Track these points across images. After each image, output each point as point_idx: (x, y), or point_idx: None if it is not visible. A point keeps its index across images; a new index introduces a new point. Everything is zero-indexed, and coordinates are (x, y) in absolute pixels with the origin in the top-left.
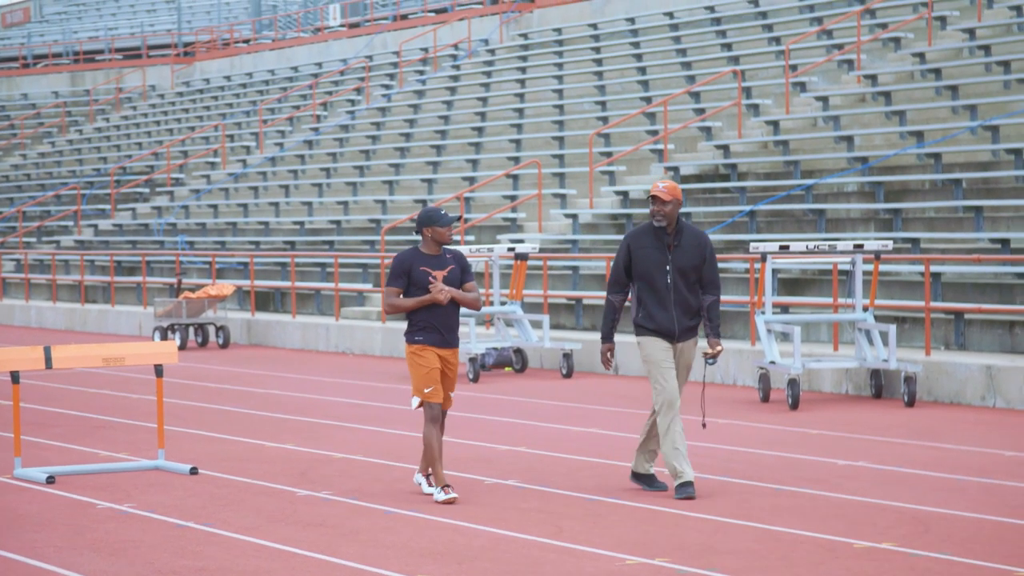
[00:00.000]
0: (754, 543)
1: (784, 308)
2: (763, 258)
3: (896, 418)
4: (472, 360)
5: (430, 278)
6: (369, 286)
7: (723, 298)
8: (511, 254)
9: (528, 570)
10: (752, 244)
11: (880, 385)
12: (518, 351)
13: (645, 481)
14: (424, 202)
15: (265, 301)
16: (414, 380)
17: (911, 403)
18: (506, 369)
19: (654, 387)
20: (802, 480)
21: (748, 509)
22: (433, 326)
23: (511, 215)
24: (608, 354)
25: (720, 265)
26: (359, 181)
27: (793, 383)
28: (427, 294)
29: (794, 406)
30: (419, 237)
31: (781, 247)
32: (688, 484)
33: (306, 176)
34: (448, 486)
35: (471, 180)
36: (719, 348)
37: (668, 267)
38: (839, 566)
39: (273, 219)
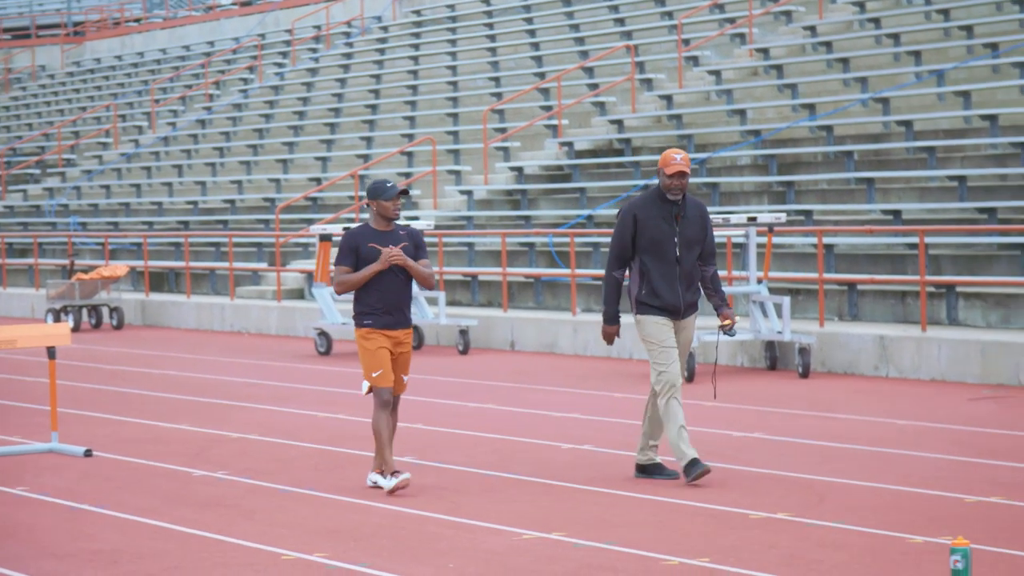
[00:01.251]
0: (650, 516)
1: None
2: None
3: (791, 389)
4: None
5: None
6: (264, 265)
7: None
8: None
9: (425, 546)
10: None
11: (774, 357)
12: (414, 328)
13: (655, 471)
14: (318, 180)
15: (159, 282)
16: (363, 364)
17: (805, 374)
18: None
19: (654, 368)
20: (698, 452)
21: (644, 482)
22: (382, 307)
23: None
24: (613, 337)
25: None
26: (253, 160)
27: (689, 356)
28: (377, 277)
29: (690, 379)
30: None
31: None
32: (696, 462)
33: (199, 156)
34: (397, 472)
35: (365, 158)
36: (733, 319)
37: (676, 239)
38: (735, 537)
39: (166, 199)
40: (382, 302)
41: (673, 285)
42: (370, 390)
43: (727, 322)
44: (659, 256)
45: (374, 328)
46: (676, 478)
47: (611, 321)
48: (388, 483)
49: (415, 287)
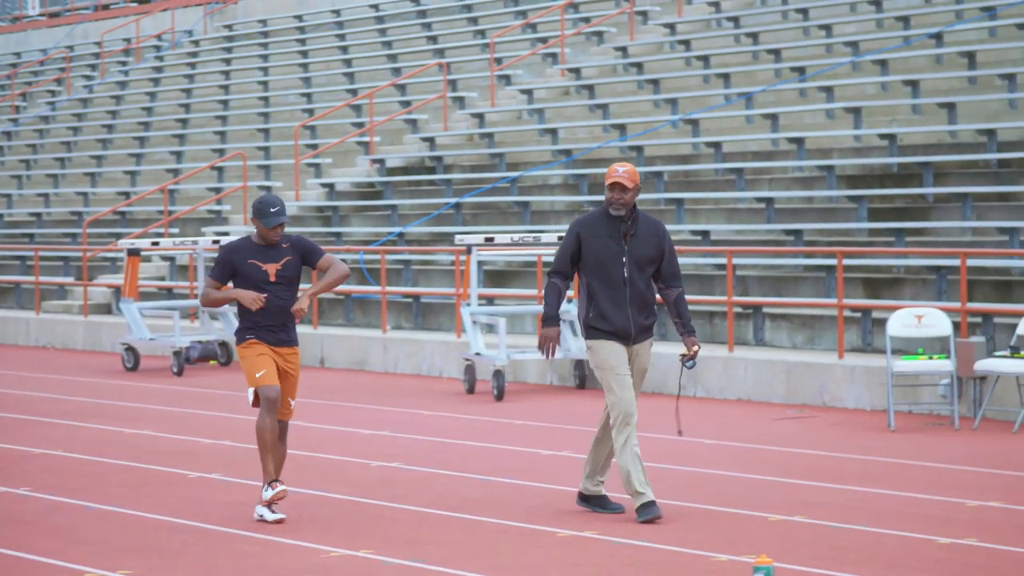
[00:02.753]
0: (460, 533)
1: (490, 300)
2: (468, 250)
3: (599, 407)
4: (176, 353)
5: (264, 277)
6: (71, 279)
7: (428, 290)
8: (216, 247)
9: (232, 564)
10: (458, 236)
11: (584, 375)
12: (223, 344)
13: (596, 503)
14: (127, 194)
15: None
16: (246, 373)
17: None
18: (211, 362)
19: (608, 397)
20: (507, 471)
21: (454, 500)
22: (265, 323)
23: (216, 207)
24: (553, 343)
25: (425, 258)
26: (60, 173)
27: (498, 374)
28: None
29: (499, 397)
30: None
31: (486, 239)
32: (651, 504)
33: (5, 168)
34: (276, 481)
35: (175, 172)
36: (696, 348)
37: (624, 258)
38: (543, 555)
39: None
40: (266, 318)
41: (623, 308)
42: (256, 400)
43: (692, 350)
44: (606, 277)
45: (258, 341)
46: (620, 512)
47: (551, 323)
48: (265, 492)
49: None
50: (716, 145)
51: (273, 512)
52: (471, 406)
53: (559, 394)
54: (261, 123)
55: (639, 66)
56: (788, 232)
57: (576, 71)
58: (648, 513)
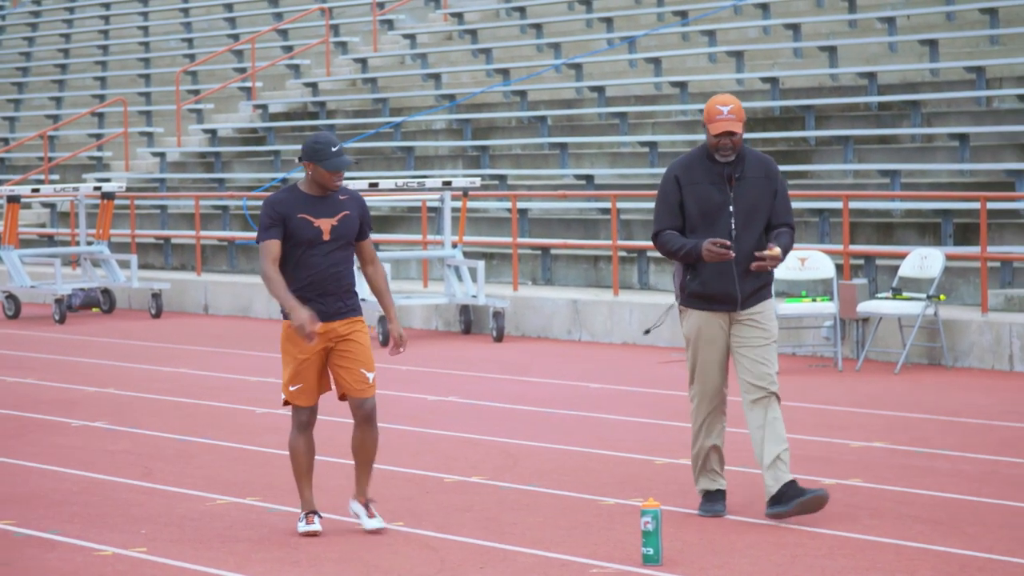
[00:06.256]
0: (344, 480)
1: (375, 245)
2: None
3: (485, 353)
4: (58, 301)
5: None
6: None
7: None
8: (97, 193)
9: (117, 512)
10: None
11: (469, 320)
12: (106, 291)
13: (790, 496)
14: (5, 140)
15: None
16: (283, 369)
17: (500, 338)
18: (93, 310)
19: (689, 375)
20: (393, 416)
21: (337, 446)
22: (315, 291)
23: (97, 154)
24: (718, 245)
25: None
26: None
27: (383, 320)
28: (308, 255)
29: (384, 343)
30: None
31: (371, 185)
32: (717, 494)
33: None
34: (313, 513)
35: (55, 118)
36: (775, 251)
37: (731, 207)
38: (430, 500)
39: None
40: (314, 286)
41: (727, 268)
42: (286, 403)
43: (771, 249)
44: (707, 231)
45: None
46: (821, 495)
47: (699, 245)
48: (302, 526)
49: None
50: (599, 89)
51: (309, 523)
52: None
53: (444, 339)
54: (142, 68)
55: (522, 10)
56: None
57: (459, 16)
58: (712, 509)
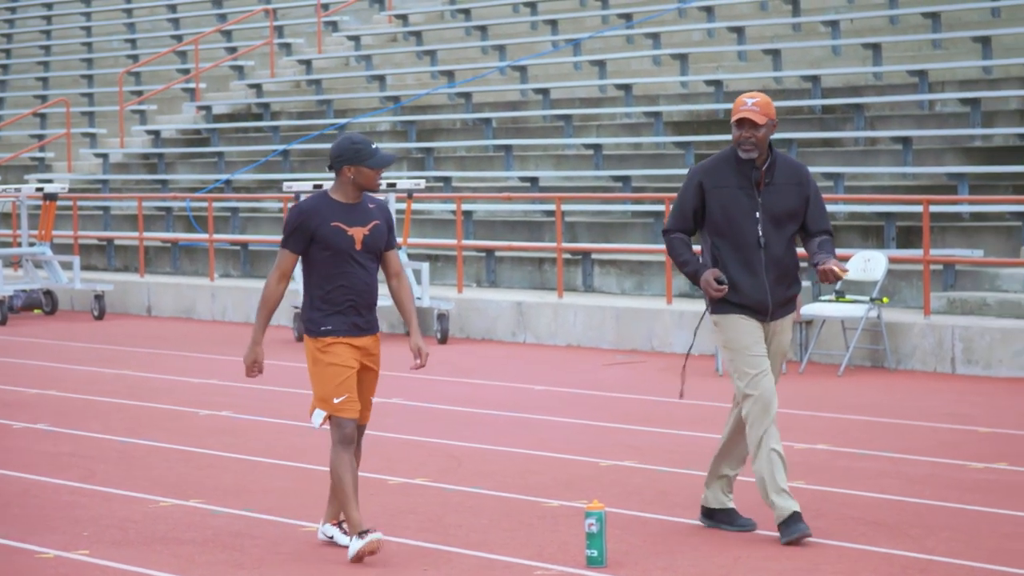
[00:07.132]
0: (289, 482)
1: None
2: (296, 198)
3: (431, 355)
4: (0, 303)
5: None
6: None
7: (256, 237)
8: (40, 194)
9: (59, 514)
10: (285, 184)
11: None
12: (48, 293)
13: (723, 519)
14: None
15: None
16: (318, 385)
17: (444, 340)
18: (35, 311)
19: (738, 383)
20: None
21: (282, 448)
22: (349, 305)
23: (39, 154)
24: (714, 279)
25: (253, 205)
26: None
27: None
28: (341, 265)
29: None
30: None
31: (315, 186)
32: (795, 517)
33: None
34: (366, 531)
35: None
36: (833, 266)
37: (758, 213)
38: (375, 502)
39: None
40: (350, 297)
41: (757, 275)
42: (326, 420)
43: (840, 269)
44: (736, 237)
45: (338, 337)
46: (751, 530)
47: (701, 271)
48: (353, 544)
49: None
50: (544, 92)
51: (363, 538)
52: (301, 354)
53: (389, 341)
54: (84, 69)
55: (466, 12)
56: (616, 178)
57: (403, 17)
58: (793, 532)
